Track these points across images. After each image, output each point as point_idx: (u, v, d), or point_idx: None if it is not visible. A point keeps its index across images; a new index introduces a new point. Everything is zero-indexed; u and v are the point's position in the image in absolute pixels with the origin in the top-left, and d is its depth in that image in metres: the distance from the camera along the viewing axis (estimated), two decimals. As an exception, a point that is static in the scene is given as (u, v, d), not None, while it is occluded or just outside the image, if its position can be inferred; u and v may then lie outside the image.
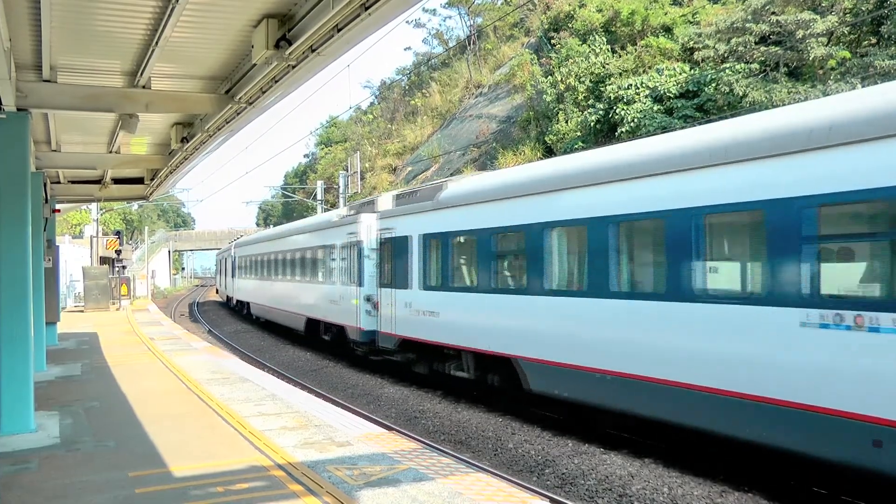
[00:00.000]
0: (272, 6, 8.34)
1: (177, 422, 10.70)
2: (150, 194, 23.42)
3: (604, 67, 30.67)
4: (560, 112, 31.57)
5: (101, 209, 49.90)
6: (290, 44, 8.48)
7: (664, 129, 24.76)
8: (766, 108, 21.99)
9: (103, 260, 46.90)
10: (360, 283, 20.19)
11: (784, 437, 8.58)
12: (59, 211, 24.76)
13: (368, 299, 19.73)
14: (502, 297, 13.95)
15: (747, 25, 24.00)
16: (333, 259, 22.63)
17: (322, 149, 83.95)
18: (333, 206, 52.45)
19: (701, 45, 26.40)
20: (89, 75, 11.19)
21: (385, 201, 20.35)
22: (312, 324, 25.48)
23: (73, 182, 21.83)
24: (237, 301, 43.44)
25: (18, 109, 10.53)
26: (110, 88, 11.57)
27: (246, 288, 39.63)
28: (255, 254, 36.46)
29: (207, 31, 9.25)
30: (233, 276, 44.70)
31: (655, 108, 25.99)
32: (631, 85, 27.16)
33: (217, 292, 67.06)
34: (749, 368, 8.83)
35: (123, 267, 49.72)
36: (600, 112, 28.01)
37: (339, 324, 21.91)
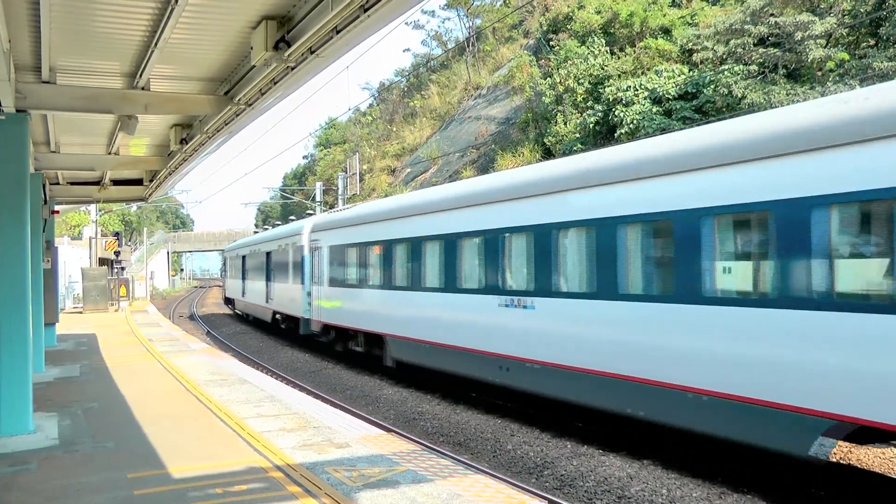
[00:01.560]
0: (271, 8, 8.35)
1: (175, 423, 10.70)
2: (149, 196, 23.42)
3: (602, 69, 30.69)
4: (559, 114, 31.60)
5: (99, 210, 49.90)
6: (289, 45, 8.50)
7: (663, 131, 24.80)
8: (766, 110, 22.03)
9: (102, 261, 46.91)
10: None
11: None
12: (57, 212, 24.79)
13: None
14: None
15: (746, 27, 24.02)
16: None
17: (321, 150, 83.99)
18: (333, 207, 52.23)
19: (700, 47, 26.42)
20: (88, 77, 11.20)
21: None
22: None
23: (72, 183, 21.84)
24: (324, 326, 23.92)
25: (17, 111, 10.53)
26: (109, 90, 11.58)
27: (374, 304, 19.88)
28: (454, 233, 15.93)
29: (206, 33, 9.26)
30: (303, 279, 25.62)
31: (654, 109, 26.02)
32: (630, 87, 27.18)
33: (228, 304, 48.65)
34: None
35: (122, 268, 49.69)
36: (599, 114, 28.04)
37: None
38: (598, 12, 33.83)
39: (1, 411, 10.12)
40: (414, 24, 65.02)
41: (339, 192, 48.10)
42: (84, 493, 7.45)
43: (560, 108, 31.63)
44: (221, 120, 12.61)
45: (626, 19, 31.54)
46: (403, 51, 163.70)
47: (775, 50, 23.58)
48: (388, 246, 19.03)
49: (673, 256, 10.31)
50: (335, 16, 7.56)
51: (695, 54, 26.87)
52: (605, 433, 12.91)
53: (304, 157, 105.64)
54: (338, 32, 7.93)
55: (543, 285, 12.93)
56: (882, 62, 20.43)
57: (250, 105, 11.42)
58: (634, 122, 25.79)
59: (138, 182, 21.81)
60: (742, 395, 9.22)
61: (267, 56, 8.61)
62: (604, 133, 28.15)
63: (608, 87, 28.42)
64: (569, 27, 35.49)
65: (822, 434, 8.45)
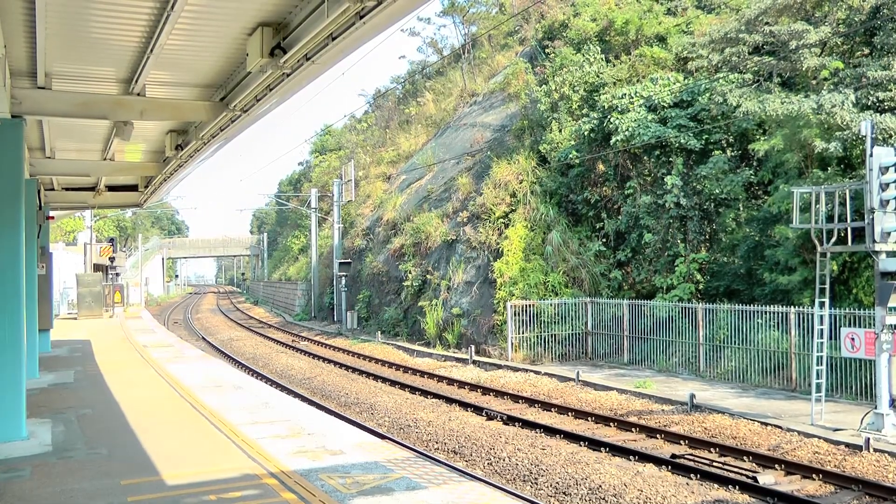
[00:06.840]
0: (267, 14, 8.36)
1: (170, 430, 10.66)
2: (144, 201, 23.41)
3: (598, 77, 30.75)
4: (554, 121, 31.64)
5: (94, 216, 49.78)
6: (285, 52, 8.50)
7: (658, 139, 24.93)
8: (760, 119, 22.11)
9: (97, 267, 46.77)
10: None
11: None
12: (52, 218, 24.73)
13: None
14: None
15: (741, 36, 24.09)
16: None
17: (316, 157, 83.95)
18: (328, 213, 52.29)
19: (694, 55, 26.49)
20: (84, 82, 11.20)
21: None
22: None
23: (67, 189, 21.81)
24: None
25: (13, 116, 10.53)
26: (105, 96, 11.58)
27: None
28: None
29: (202, 39, 9.27)
30: None
31: (650, 117, 26.08)
32: (625, 94, 27.24)
33: None
34: None
35: (117, 274, 49.46)
36: (594, 121, 28.07)
37: None
38: (594, 20, 33.89)
39: (-6, 417, 10.09)
40: (409, 31, 65.06)
41: (335, 198, 48.13)
42: (77, 500, 7.42)
43: (555, 115, 31.67)
44: (217, 126, 12.61)
45: (621, 27, 31.60)
46: (399, 58, 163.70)
47: (770, 58, 23.68)
48: None
49: None
50: (331, 23, 7.56)
51: (690, 62, 26.91)
52: (600, 441, 12.91)
53: (300, 163, 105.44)
54: (333, 39, 7.94)
55: None
56: (876, 71, 20.50)
57: (246, 111, 11.42)
58: (630, 129, 25.83)
59: (133, 188, 21.81)
60: None
61: (262, 62, 8.62)
62: (599, 140, 28.19)
63: (603, 94, 28.46)
64: (564, 35, 35.55)
65: None
